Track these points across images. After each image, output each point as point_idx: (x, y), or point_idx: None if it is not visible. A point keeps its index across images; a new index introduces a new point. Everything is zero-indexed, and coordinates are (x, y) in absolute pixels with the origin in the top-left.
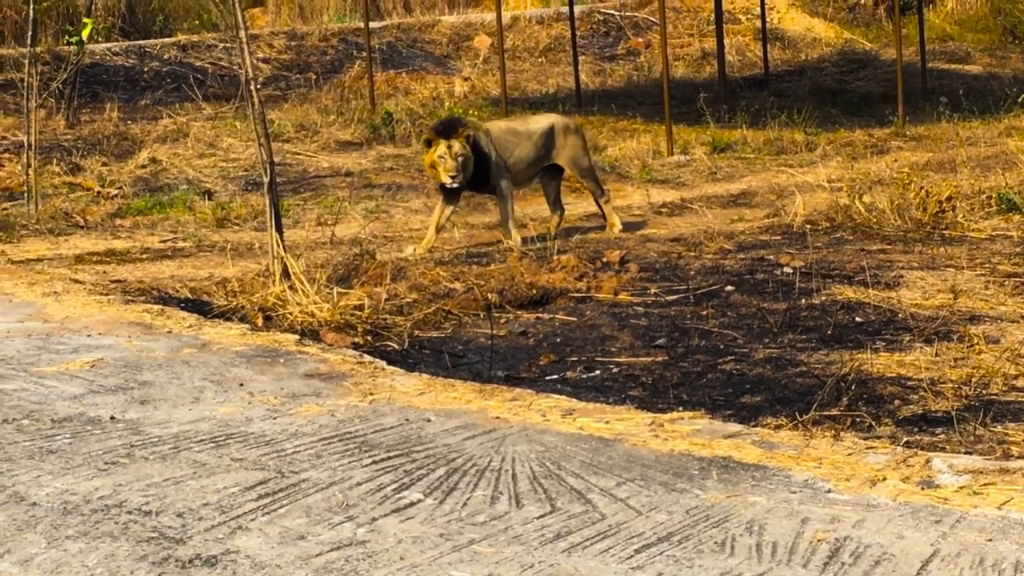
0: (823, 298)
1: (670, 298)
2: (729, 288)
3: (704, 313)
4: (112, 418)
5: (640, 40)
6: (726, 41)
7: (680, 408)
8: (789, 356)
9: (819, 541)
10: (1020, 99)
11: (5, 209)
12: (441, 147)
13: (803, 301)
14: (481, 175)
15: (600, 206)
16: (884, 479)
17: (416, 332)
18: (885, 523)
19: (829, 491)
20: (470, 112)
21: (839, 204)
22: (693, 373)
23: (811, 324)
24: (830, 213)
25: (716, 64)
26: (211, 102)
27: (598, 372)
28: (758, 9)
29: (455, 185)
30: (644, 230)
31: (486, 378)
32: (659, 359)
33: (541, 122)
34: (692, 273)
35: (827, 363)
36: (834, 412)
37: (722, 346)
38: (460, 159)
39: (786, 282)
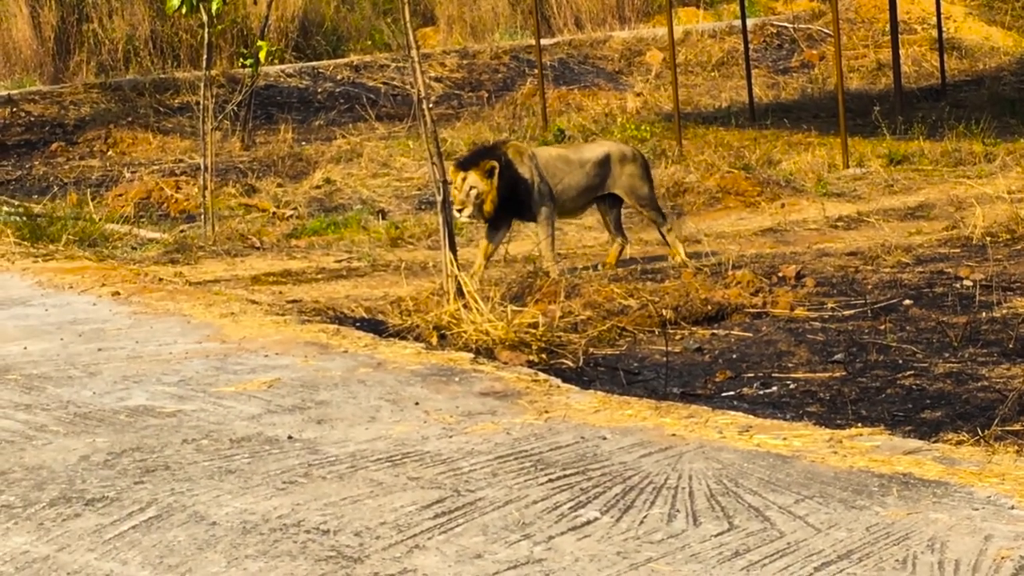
0: (1004, 311)
1: (847, 313)
2: (907, 302)
3: (882, 327)
4: (290, 438)
5: (814, 52)
6: (902, 52)
7: (859, 424)
8: (970, 371)
9: (1003, 559)
10: None
11: (183, 231)
12: (456, 179)
13: (984, 314)
14: (519, 202)
15: (663, 235)
16: None
17: (591, 349)
18: None
19: (1012, 507)
20: (642, 128)
21: (1019, 215)
22: (872, 388)
23: (992, 338)
24: (1010, 225)
25: (892, 75)
26: (384, 122)
27: (775, 388)
28: (934, 19)
29: (464, 218)
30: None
31: (662, 395)
32: (837, 375)
33: (595, 151)
34: (869, 287)
35: (1009, 377)
36: (1017, 427)
37: (901, 361)
38: (471, 192)
39: (966, 295)
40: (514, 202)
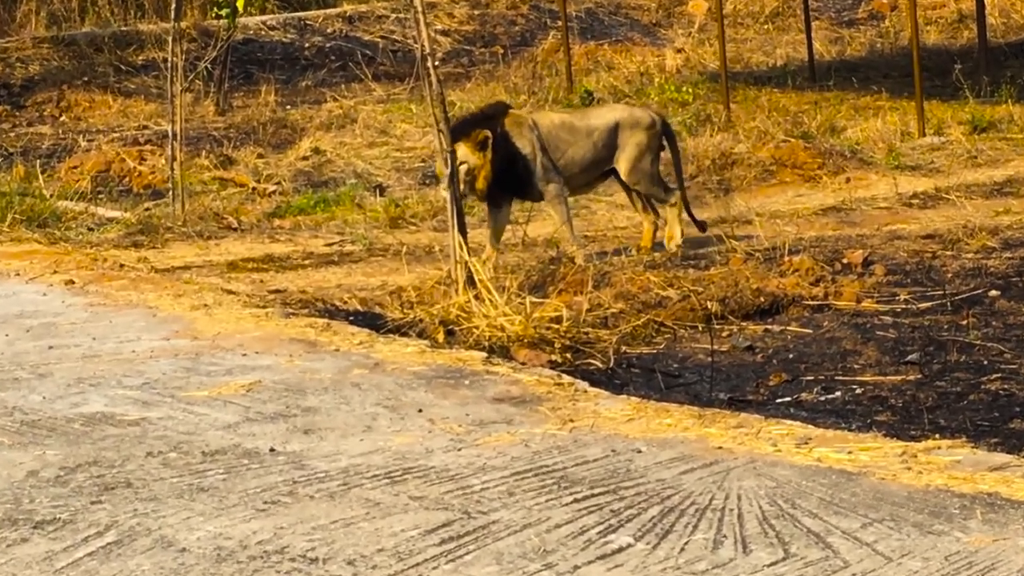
0: None
1: (923, 306)
2: (994, 293)
3: (964, 323)
4: (272, 450)
5: (885, 1)
6: (987, 0)
7: (936, 435)
8: None
9: None
10: None
11: (148, 209)
12: None
13: None
14: (517, 178)
15: (685, 208)
16: None
17: (623, 348)
18: None
19: None
20: (683, 90)
21: None
22: (952, 394)
23: None
24: None
25: (975, 28)
26: (382, 82)
27: (838, 393)
28: None
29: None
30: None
31: (706, 401)
32: (911, 378)
33: (605, 116)
34: (949, 276)
35: None
36: None
37: (986, 362)
38: (461, 167)
39: None
40: (512, 178)
